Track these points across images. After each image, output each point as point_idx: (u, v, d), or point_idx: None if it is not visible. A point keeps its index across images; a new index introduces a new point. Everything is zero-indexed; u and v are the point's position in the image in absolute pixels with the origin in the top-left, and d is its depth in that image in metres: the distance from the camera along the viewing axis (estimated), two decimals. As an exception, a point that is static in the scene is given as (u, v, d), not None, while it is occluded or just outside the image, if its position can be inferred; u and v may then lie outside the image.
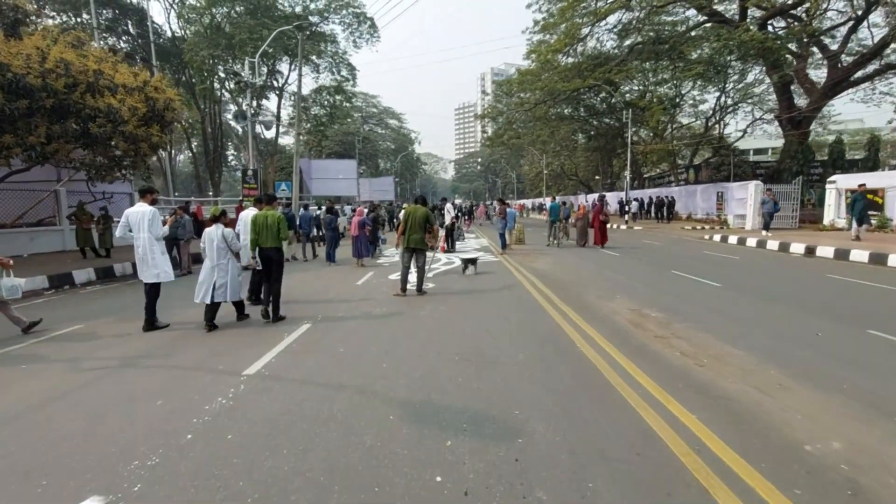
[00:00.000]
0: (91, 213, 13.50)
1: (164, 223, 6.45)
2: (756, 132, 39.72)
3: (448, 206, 16.52)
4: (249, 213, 8.26)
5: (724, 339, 5.04)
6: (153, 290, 6.06)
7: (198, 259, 11.45)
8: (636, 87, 36.45)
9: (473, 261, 10.00)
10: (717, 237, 18.47)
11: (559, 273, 10.11)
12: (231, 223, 7.23)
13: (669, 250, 14.95)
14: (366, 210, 12.91)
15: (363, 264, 11.91)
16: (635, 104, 31.25)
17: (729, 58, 27.46)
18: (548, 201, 36.32)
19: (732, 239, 17.22)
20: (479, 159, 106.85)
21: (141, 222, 6.00)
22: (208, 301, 5.97)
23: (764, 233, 16.38)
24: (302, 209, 16.01)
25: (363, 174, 65.45)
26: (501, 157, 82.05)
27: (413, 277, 8.25)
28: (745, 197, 24.35)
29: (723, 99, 33.63)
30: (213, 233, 6.05)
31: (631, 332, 5.38)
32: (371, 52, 74.95)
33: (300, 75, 20.67)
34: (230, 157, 63.29)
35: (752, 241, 16.00)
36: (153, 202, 6.29)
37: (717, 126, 38.36)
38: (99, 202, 15.36)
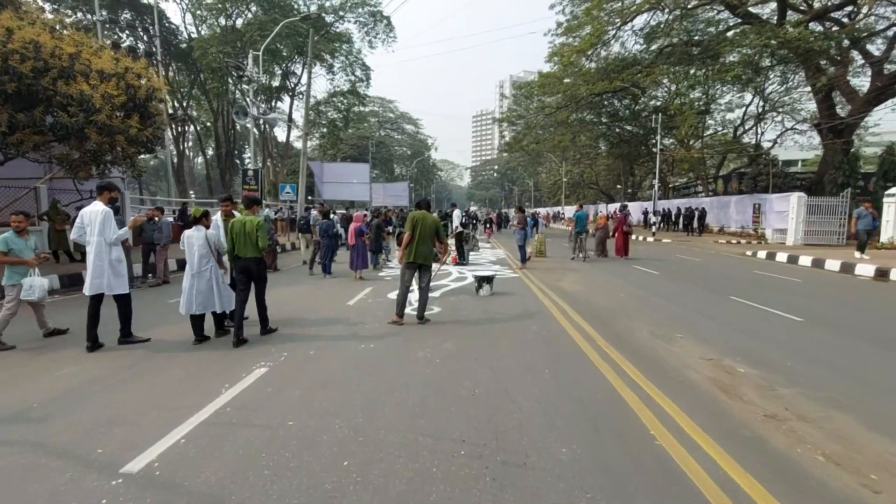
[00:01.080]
0: (66, 214, 12.26)
1: (132, 224, 5.96)
2: (786, 142, 37.39)
3: (456, 212, 14.94)
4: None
5: (876, 425, 3.30)
6: (121, 303, 5.40)
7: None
8: (664, 93, 34.54)
9: (489, 279, 8.36)
10: (761, 254, 16.49)
11: (593, 296, 8.39)
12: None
13: (712, 268, 13.08)
14: (367, 215, 11.41)
15: (362, 277, 10.36)
16: (665, 110, 29.34)
17: (768, 60, 25.53)
18: (569, 210, 34.32)
19: (781, 256, 15.25)
20: (496, 167, 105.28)
21: (93, 224, 5.20)
22: (193, 312, 5.43)
23: (858, 255, 13.43)
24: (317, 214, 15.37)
25: (378, 179, 64.48)
26: (519, 164, 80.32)
27: (414, 298, 6.68)
28: (786, 210, 22.33)
29: (759, 105, 31.40)
30: (193, 236, 5.44)
31: (723, 404, 3.65)
32: (387, 54, 73.94)
33: (310, 70, 19.48)
34: (247, 160, 62.99)
35: (805, 260, 14.05)
36: (110, 201, 5.41)
37: (745, 134, 36.17)
38: (85, 201, 14.18)
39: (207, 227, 5.65)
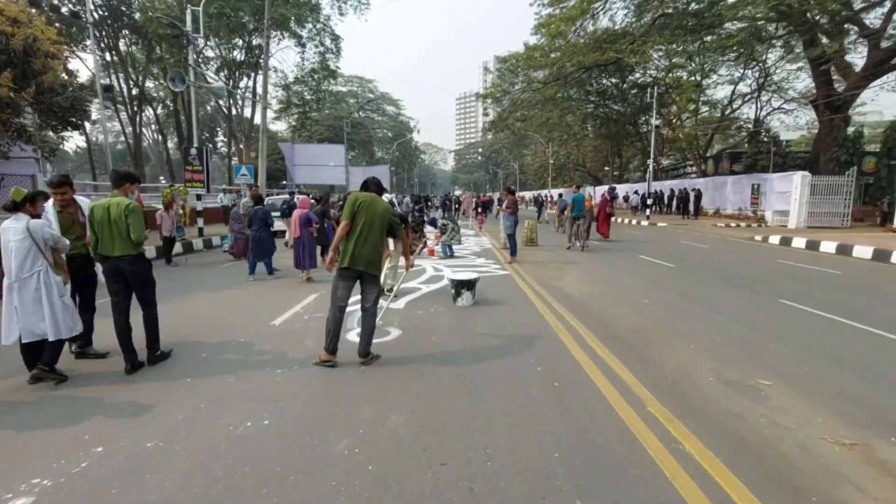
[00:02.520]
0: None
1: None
2: (771, 122, 35.89)
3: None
4: (85, 201, 4.72)
5: None
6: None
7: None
8: (657, 68, 32.51)
9: (471, 284, 6.25)
10: (773, 239, 14.78)
11: (608, 303, 6.38)
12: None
13: (730, 259, 11.23)
14: (313, 201, 9.22)
15: (310, 278, 8.19)
16: (660, 82, 27.31)
17: (773, 27, 23.70)
18: (557, 193, 32.42)
19: (798, 242, 13.54)
20: (480, 149, 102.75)
21: None
22: (20, 340, 3.77)
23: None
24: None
25: (357, 162, 61.60)
26: (503, 146, 77.98)
27: (354, 327, 4.62)
28: (788, 190, 20.76)
29: (760, 76, 29.55)
30: (10, 229, 3.77)
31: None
32: (361, 23, 70.69)
33: (267, 32, 16.84)
34: (219, 144, 59.47)
35: (828, 246, 12.36)
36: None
37: (740, 110, 34.48)
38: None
39: (34, 215, 3.91)
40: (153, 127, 47.41)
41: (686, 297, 6.70)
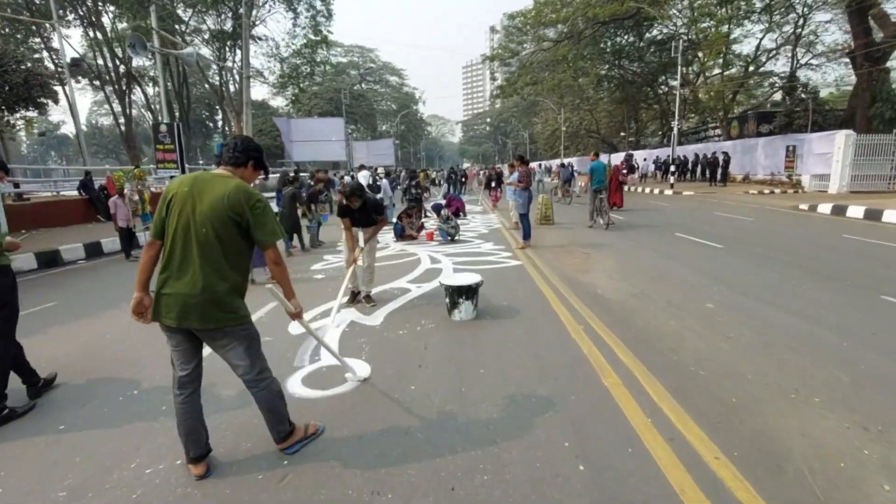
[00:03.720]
0: None
1: None
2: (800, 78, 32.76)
3: (363, 173, 10.65)
4: None
5: None
6: None
7: None
8: (678, 20, 29.63)
9: (470, 291, 4.54)
10: (823, 208, 12.86)
11: (659, 312, 4.66)
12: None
13: (785, 235, 9.40)
14: (291, 176, 7.61)
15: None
16: (684, 36, 24.67)
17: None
18: (557, 163, 29.81)
19: (855, 211, 11.63)
20: (489, 119, 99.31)
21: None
22: None
23: None
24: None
25: (363, 136, 59.44)
26: (512, 114, 74.91)
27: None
28: (829, 151, 18.62)
29: (798, 24, 26.65)
30: None
31: None
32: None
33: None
34: (220, 123, 57.66)
35: (892, 216, 10.47)
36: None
37: (770, 63, 31.42)
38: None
39: None
40: (155, 107, 45.59)
41: (766, 300, 4.99)
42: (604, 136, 47.51)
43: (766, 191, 20.04)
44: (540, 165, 25.84)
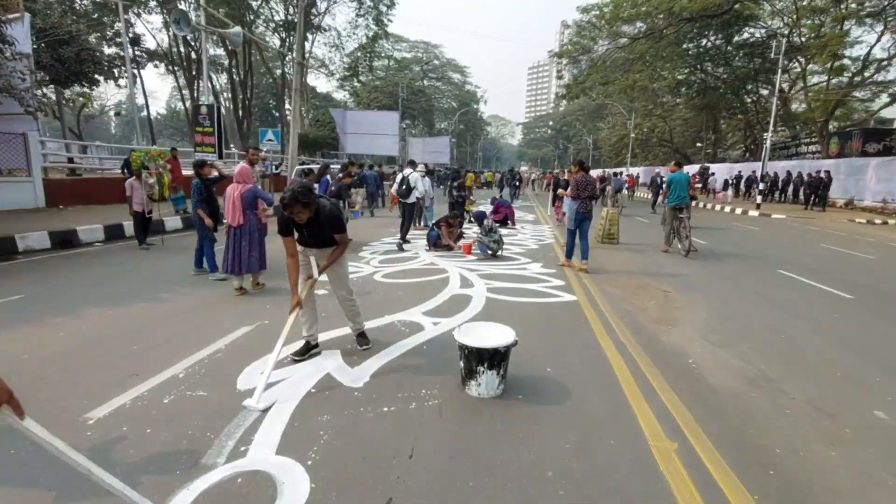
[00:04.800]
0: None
1: None
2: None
3: (414, 175, 9.13)
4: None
5: None
6: None
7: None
8: (778, 17, 26.10)
9: (496, 357, 2.91)
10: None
11: (820, 436, 2.81)
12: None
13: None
14: (261, 170, 6.45)
15: (260, 283, 5.46)
16: (785, 34, 21.47)
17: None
18: (643, 171, 26.11)
19: None
20: (551, 122, 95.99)
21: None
22: None
23: None
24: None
25: (417, 133, 58.77)
26: (577, 118, 71.57)
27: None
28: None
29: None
30: None
31: None
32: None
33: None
34: (287, 113, 59.23)
35: None
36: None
37: (864, 80, 26.76)
38: None
39: None
40: (225, 95, 47.03)
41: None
42: (677, 146, 43.75)
43: (878, 220, 16.86)
44: (617, 174, 23.52)
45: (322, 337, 3.98)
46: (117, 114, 41.26)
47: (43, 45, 12.23)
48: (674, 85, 34.76)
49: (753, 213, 19.14)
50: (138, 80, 36.05)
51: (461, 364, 3.06)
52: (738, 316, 5.04)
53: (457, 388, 3.11)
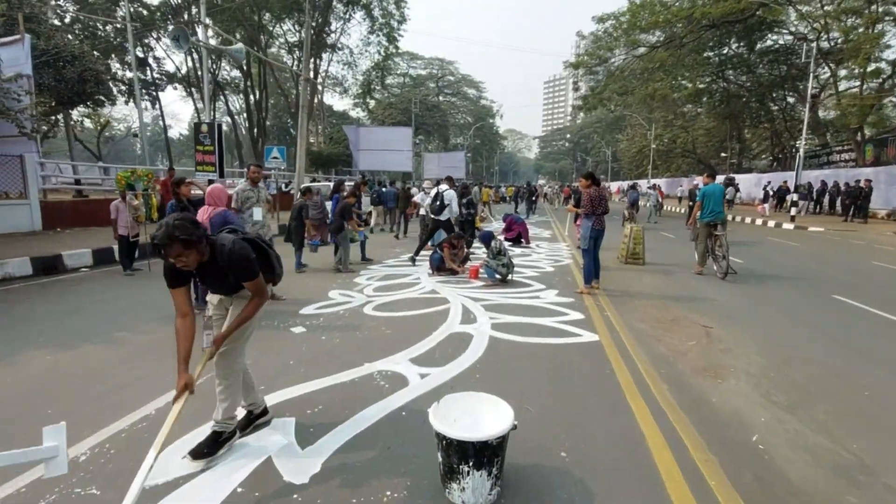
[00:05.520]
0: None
1: None
2: None
3: (450, 191, 8.75)
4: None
5: None
6: None
7: None
8: (807, 27, 24.90)
9: (482, 455, 2.06)
10: None
11: None
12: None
13: None
14: (267, 195, 5.76)
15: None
16: (814, 37, 20.30)
17: None
18: (666, 183, 24.89)
19: None
20: (568, 135, 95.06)
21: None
22: None
23: None
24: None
25: (433, 149, 58.52)
26: (594, 130, 70.56)
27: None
28: None
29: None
30: None
31: None
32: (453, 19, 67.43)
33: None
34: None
35: None
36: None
37: None
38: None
39: None
40: (243, 116, 47.51)
41: None
42: (701, 157, 42.32)
43: (928, 234, 15.45)
44: (634, 186, 22.46)
45: (286, 394, 3.20)
46: (134, 135, 42.03)
47: (45, 65, 12.06)
48: (695, 94, 33.59)
49: (788, 225, 17.84)
50: (154, 102, 36.63)
51: (439, 458, 2.21)
52: (800, 360, 4.07)
53: (435, 490, 2.27)
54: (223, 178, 12.38)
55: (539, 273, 7.84)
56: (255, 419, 2.84)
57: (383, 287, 6.74)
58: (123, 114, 53.39)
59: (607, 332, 4.68)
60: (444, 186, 8.80)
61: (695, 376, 3.66)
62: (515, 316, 5.22)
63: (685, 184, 33.60)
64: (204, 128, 12.27)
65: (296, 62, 36.39)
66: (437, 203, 8.53)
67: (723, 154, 41.80)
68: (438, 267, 7.55)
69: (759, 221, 19.78)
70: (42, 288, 6.82)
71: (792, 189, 20.10)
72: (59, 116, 13.72)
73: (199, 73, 34.38)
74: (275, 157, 14.94)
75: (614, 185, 53.46)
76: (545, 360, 3.94)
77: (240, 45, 12.22)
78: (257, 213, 5.92)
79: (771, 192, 24.42)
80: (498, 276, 6.83)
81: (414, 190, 14.68)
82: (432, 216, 8.69)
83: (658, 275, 7.90)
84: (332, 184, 15.95)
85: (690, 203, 18.10)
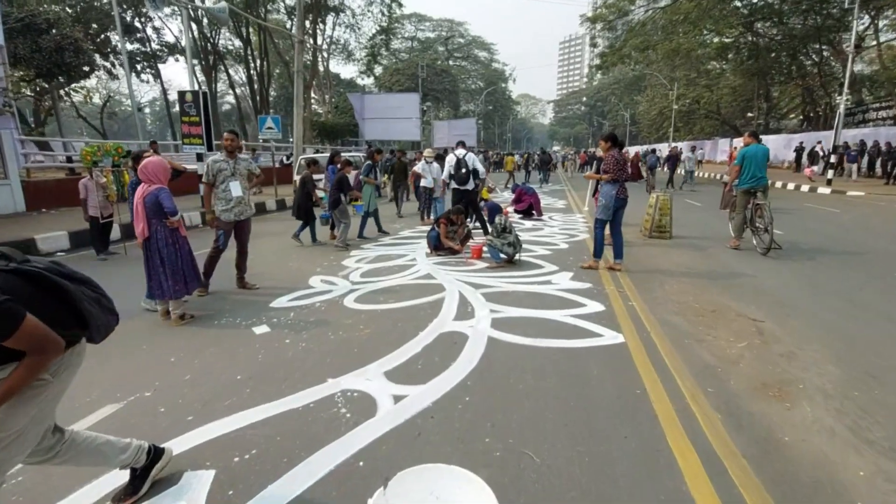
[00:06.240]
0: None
1: None
2: None
3: (471, 154, 7.71)
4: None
5: None
6: None
7: None
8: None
9: None
10: None
11: None
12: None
13: None
14: (249, 167, 4.94)
15: (184, 315, 4.06)
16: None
17: None
18: (686, 146, 23.21)
19: None
20: (584, 98, 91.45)
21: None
22: None
23: None
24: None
25: (445, 115, 56.63)
26: (612, 92, 67.52)
27: None
28: None
29: None
30: None
31: None
32: None
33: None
34: (312, 102, 58.47)
35: None
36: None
37: None
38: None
39: None
40: (238, 90, 46.18)
41: None
42: (725, 117, 40.00)
43: None
44: (654, 151, 20.91)
45: (216, 429, 2.44)
46: (139, 109, 41.14)
47: (19, 35, 11.17)
48: (721, 49, 31.19)
49: (824, 189, 16.43)
50: (157, 75, 35.65)
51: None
52: (887, 370, 3.15)
53: None
54: (211, 150, 11.55)
55: (551, 251, 6.93)
56: (146, 472, 2.07)
57: (372, 271, 5.93)
58: (134, 89, 52.47)
59: (634, 330, 3.81)
60: (461, 151, 7.74)
61: (754, 398, 2.78)
62: (521, 308, 4.37)
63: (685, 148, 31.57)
64: (188, 96, 11.37)
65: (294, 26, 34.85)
66: (463, 170, 7.43)
67: (749, 114, 39.39)
68: (436, 246, 6.69)
69: (790, 186, 18.31)
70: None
71: (830, 150, 18.46)
72: (43, 90, 12.91)
73: (201, 43, 33.23)
74: (269, 128, 14.01)
75: (633, 150, 51.38)
76: (555, 374, 3.10)
77: (222, 4, 11.13)
78: (235, 189, 5.06)
79: (823, 153, 22.45)
80: (503, 255, 5.95)
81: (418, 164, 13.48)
82: (456, 186, 7.61)
83: (688, 251, 6.91)
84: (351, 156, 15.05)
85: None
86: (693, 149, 18.42)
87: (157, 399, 2.89)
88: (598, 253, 5.86)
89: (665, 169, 19.35)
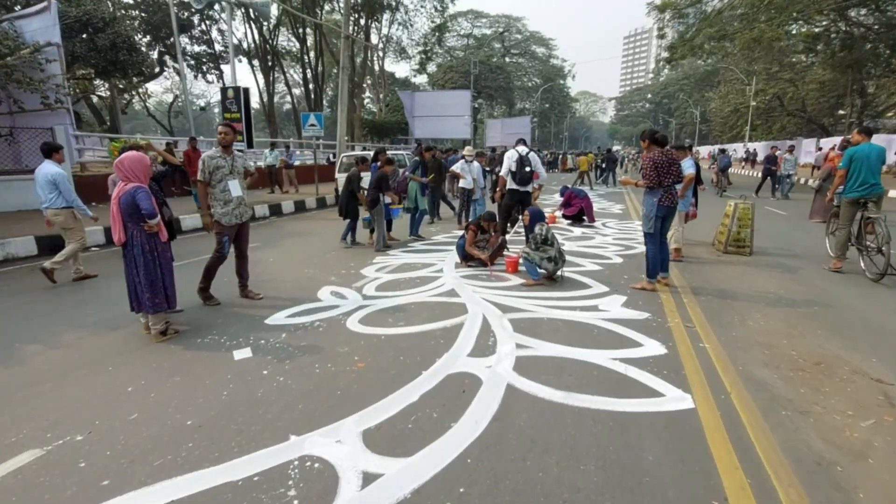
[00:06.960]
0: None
1: None
2: None
3: (532, 153, 6.62)
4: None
5: None
6: None
7: None
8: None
9: None
10: None
11: None
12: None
13: None
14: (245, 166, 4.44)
15: (170, 329, 3.56)
16: None
17: None
18: (762, 147, 20.11)
19: None
20: (649, 95, 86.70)
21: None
22: None
23: None
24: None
25: (500, 113, 55.47)
26: (680, 88, 63.29)
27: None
28: None
29: None
30: None
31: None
32: None
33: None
34: (366, 100, 59.38)
35: None
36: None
37: None
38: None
39: None
40: (294, 90, 47.43)
41: None
42: (811, 115, 36.07)
43: None
44: (724, 151, 18.59)
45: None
46: (202, 109, 43.32)
47: (77, 34, 11.55)
48: (810, 39, 27.90)
49: (939, 198, 13.94)
50: (220, 76, 37.18)
51: None
52: None
53: None
54: (251, 148, 11.43)
55: (602, 266, 5.92)
56: None
57: (390, 283, 5.24)
58: (201, 89, 55.47)
59: (708, 390, 2.83)
60: (523, 149, 6.79)
61: (909, 533, 1.78)
62: (556, 344, 3.49)
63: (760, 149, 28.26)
64: (230, 93, 11.28)
65: (353, 26, 35.14)
66: (527, 168, 6.42)
67: (839, 111, 35.19)
68: (466, 256, 5.89)
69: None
70: (31, 272, 6.07)
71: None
72: (102, 86, 13.52)
73: (261, 44, 34.28)
74: (312, 125, 13.76)
75: (704, 150, 47.74)
76: (594, 457, 2.22)
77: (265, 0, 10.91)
78: (234, 188, 4.57)
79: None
80: (542, 271, 5.05)
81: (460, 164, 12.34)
82: (517, 186, 6.57)
83: (774, 272, 5.66)
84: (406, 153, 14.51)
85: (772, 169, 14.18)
86: (791, 149, 15.66)
87: (84, 446, 2.33)
88: (651, 272, 4.84)
89: (757, 174, 17.00)
